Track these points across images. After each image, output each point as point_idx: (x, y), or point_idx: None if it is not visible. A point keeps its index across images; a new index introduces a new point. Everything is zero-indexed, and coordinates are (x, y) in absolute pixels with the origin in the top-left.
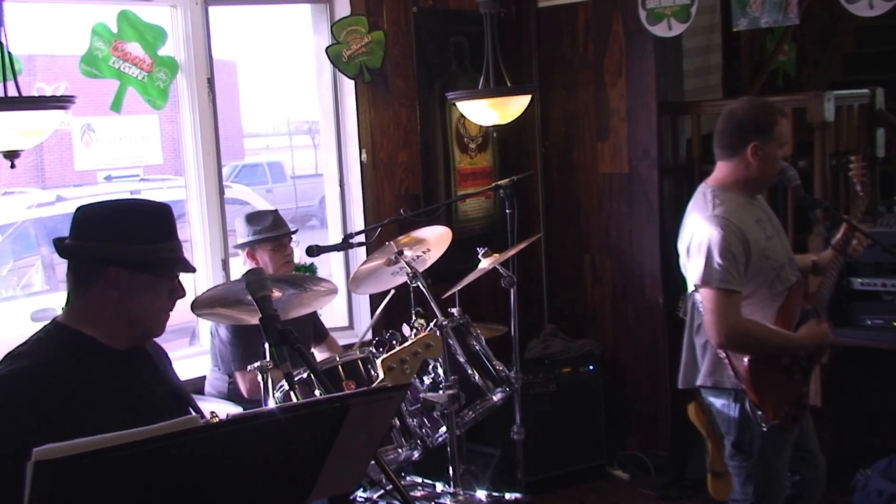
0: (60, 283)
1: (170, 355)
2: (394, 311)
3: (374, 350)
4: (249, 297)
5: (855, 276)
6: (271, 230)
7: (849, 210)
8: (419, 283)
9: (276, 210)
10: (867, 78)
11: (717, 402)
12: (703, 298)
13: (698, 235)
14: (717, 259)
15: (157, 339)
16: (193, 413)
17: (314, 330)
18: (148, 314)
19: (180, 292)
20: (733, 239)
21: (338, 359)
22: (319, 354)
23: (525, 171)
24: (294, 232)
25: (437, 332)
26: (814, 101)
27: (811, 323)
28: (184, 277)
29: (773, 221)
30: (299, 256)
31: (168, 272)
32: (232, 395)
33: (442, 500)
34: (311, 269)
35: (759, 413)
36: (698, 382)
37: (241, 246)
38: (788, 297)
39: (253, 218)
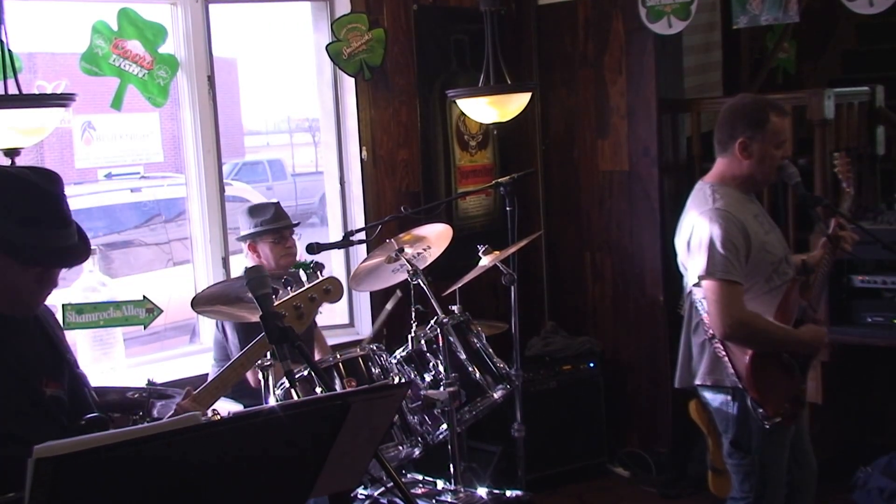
0: (61, 281)
1: (169, 353)
2: (394, 310)
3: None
4: (250, 295)
5: (855, 274)
6: (272, 222)
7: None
8: (420, 280)
9: (277, 202)
10: (867, 75)
11: (716, 399)
12: (705, 290)
13: (699, 229)
14: (719, 250)
15: None
16: (76, 372)
17: None
18: (12, 295)
19: (48, 284)
20: (735, 231)
21: (338, 356)
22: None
23: (525, 169)
24: (296, 224)
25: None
26: (814, 99)
27: (811, 324)
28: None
29: (768, 218)
30: (301, 253)
31: (33, 262)
32: (234, 391)
33: (443, 498)
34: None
35: (761, 410)
36: (697, 381)
37: (243, 238)
38: (787, 292)
39: (254, 210)
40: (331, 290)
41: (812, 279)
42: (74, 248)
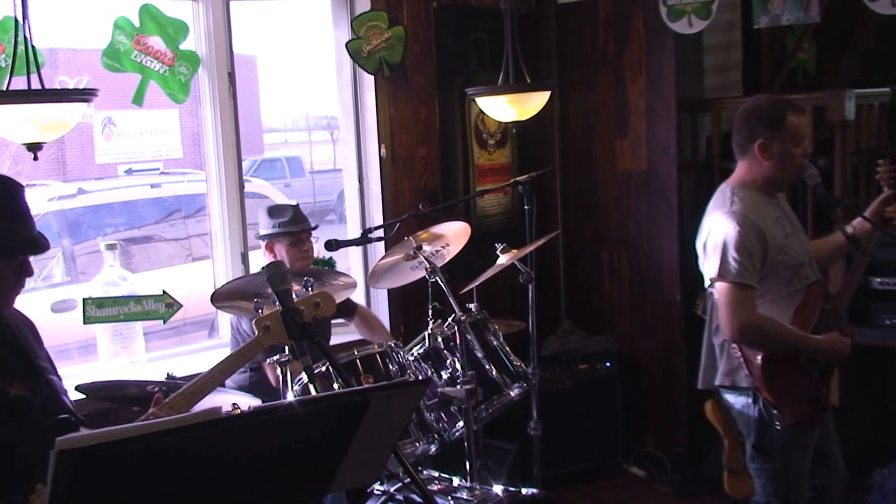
0: (81, 276)
1: (189, 347)
2: (411, 307)
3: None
4: (269, 291)
5: (874, 276)
6: (289, 225)
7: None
8: (437, 278)
9: (296, 204)
10: (887, 76)
11: (737, 402)
12: (717, 292)
13: (715, 231)
14: (732, 254)
15: None
16: (49, 378)
17: (344, 306)
18: None
19: (26, 271)
20: (749, 234)
21: (356, 353)
22: (359, 328)
23: (544, 168)
24: (314, 228)
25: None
26: (835, 100)
27: (836, 333)
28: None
29: (792, 221)
30: (318, 251)
31: (8, 257)
32: (252, 387)
33: (458, 494)
34: (330, 263)
35: (775, 412)
36: (717, 382)
37: (261, 238)
38: (806, 296)
39: (274, 211)
40: (320, 304)
41: (841, 289)
42: (39, 238)
